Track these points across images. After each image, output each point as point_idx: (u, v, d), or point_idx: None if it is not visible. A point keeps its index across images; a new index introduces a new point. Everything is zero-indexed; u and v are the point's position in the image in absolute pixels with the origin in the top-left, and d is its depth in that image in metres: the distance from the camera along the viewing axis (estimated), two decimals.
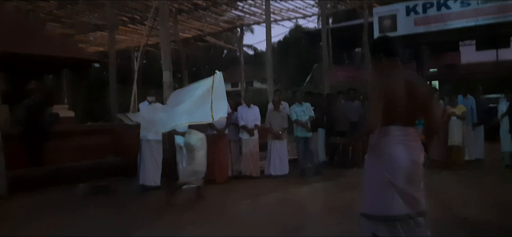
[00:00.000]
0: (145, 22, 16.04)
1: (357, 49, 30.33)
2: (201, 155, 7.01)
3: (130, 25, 20.35)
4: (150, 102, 8.45)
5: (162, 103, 8.92)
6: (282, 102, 10.27)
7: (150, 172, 8.25)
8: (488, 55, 21.83)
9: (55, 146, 9.02)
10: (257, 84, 40.37)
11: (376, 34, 19.88)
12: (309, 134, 9.46)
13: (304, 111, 9.47)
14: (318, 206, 6.64)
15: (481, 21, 17.54)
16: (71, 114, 12.36)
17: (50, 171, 8.54)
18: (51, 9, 17.64)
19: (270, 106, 9.95)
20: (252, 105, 9.52)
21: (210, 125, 8.68)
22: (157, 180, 8.34)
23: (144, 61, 21.24)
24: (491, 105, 11.72)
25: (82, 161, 9.26)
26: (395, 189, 2.96)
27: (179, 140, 8.33)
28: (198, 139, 7.04)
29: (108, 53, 15.30)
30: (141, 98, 8.94)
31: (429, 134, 3.25)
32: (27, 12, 16.61)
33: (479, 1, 17.39)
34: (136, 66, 14.40)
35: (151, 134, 8.25)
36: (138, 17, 19.26)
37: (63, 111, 11.83)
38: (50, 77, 14.52)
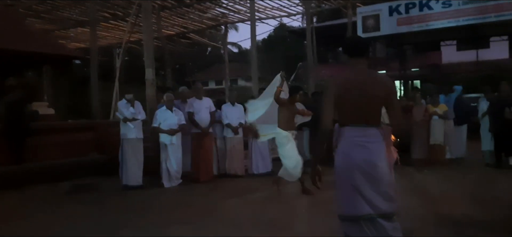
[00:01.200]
0: (128, 19, 15.88)
1: (341, 48, 30.57)
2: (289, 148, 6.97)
3: (112, 22, 20.09)
4: (128, 100, 8.35)
5: (142, 101, 8.83)
6: None
7: (132, 171, 8.16)
8: (468, 55, 22.16)
9: (36, 143, 8.85)
10: (241, 82, 40.31)
11: (360, 33, 20.04)
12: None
13: None
14: (303, 204, 6.66)
15: (462, 22, 17.81)
16: (51, 111, 12.11)
17: (31, 169, 8.38)
18: (30, 4, 17.30)
19: None
20: (236, 103, 9.48)
21: (194, 123, 8.65)
22: (140, 179, 8.25)
23: (126, 58, 21.00)
24: (472, 104, 11.90)
25: (64, 159, 9.10)
26: (355, 189, 2.96)
27: (163, 138, 8.28)
28: (283, 136, 6.99)
29: (90, 50, 15.08)
30: (123, 95, 8.83)
31: (396, 134, 3.19)
32: (6, 7, 16.25)
33: (460, 2, 17.66)
34: (118, 62, 14.26)
35: (132, 132, 8.17)
36: (120, 13, 19.02)
37: (43, 108, 11.57)
38: (30, 74, 14.23)
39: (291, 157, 6.90)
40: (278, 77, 7.27)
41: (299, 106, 7.33)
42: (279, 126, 6.92)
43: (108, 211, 6.47)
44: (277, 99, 6.87)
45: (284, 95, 7.06)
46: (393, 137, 3.27)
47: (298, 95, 7.08)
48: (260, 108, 7.43)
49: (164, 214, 6.23)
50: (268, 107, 7.28)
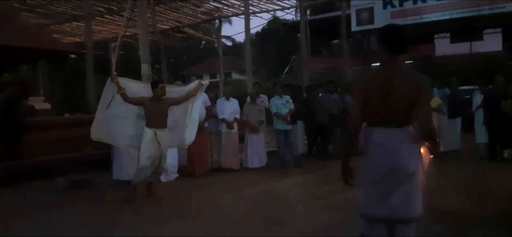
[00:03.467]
0: (123, 13, 15.81)
1: (335, 41, 30.60)
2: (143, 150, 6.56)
3: (107, 16, 20.00)
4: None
5: None
6: (261, 95, 10.31)
7: (126, 166, 8.15)
8: (462, 48, 22.28)
9: (32, 139, 8.85)
10: (235, 76, 40.31)
11: (354, 26, 20.13)
12: (289, 127, 9.53)
13: (284, 104, 9.53)
14: (299, 198, 6.72)
15: (456, 14, 17.95)
16: (47, 106, 12.10)
17: (27, 165, 8.38)
18: None
19: (249, 99, 9.96)
20: (231, 98, 9.51)
21: None
22: (132, 174, 8.24)
23: (122, 52, 20.95)
24: (466, 96, 12.00)
25: (60, 154, 9.10)
26: (378, 190, 2.88)
27: None
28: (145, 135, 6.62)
29: (85, 44, 15.03)
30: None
31: (422, 138, 2.89)
32: (0, 2, 16.14)
33: None
34: (114, 57, 14.20)
35: None
36: (115, 8, 18.93)
37: (39, 103, 11.57)
38: (25, 69, 14.21)
39: (142, 153, 6.51)
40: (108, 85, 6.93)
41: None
42: (146, 125, 6.60)
43: (104, 206, 6.48)
44: (126, 99, 6.60)
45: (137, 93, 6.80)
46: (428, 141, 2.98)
47: (159, 89, 6.62)
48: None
49: (159, 209, 6.26)
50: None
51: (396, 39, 2.89)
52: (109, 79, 6.78)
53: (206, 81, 7.45)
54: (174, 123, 6.95)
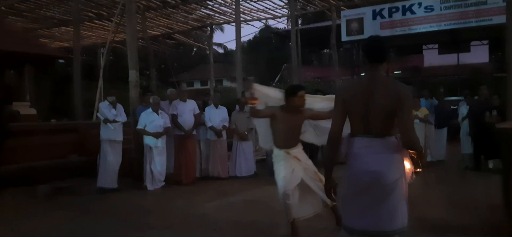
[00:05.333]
0: (112, 19, 15.75)
1: (325, 50, 30.77)
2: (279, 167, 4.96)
3: (97, 21, 19.91)
4: (110, 102, 8.31)
5: (123, 103, 8.77)
6: None
7: (110, 174, 8.12)
8: (449, 59, 22.51)
9: (15, 145, 8.70)
10: (226, 83, 40.27)
11: (344, 36, 20.25)
12: None
13: None
14: None
15: (444, 26, 18.15)
16: (33, 111, 11.94)
17: (9, 172, 8.23)
18: (12, 3, 17.03)
19: (237, 107, 9.92)
20: (220, 106, 9.47)
21: (178, 126, 8.63)
22: (115, 182, 8.21)
23: (110, 57, 20.83)
24: (452, 107, 12.10)
25: (44, 161, 8.97)
26: (361, 202, 2.84)
27: (148, 141, 8.23)
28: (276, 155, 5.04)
29: (73, 49, 14.92)
30: (107, 95, 8.79)
31: (404, 147, 2.85)
32: None
33: (442, 7, 17.97)
34: (102, 62, 14.14)
35: (112, 134, 8.12)
36: (104, 13, 18.86)
37: (25, 108, 11.41)
38: (11, 73, 14.02)
39: (278, 179, 4.89)
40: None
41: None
42: (274, 143, 5.02)
43: (88, 215, 6.40)
44: (256, 115, 5.01)
45: (261, 105, 4.94)
46: (412, 152, 2.95)
47: (297, 98, 4.75)
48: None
49: (145, 218, 6.18)
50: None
51: (374, 49, 2.93)
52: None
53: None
54: None
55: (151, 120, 8.27)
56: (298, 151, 4.91)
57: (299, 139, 4.96)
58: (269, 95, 5.11)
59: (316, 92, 11.42)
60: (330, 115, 4.43)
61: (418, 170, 3.14)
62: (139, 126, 8.33)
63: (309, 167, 4.93)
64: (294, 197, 4.76)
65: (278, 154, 4.92)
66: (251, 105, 4.86)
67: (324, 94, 11.38)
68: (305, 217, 4.96)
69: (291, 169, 4.78)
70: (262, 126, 5.25)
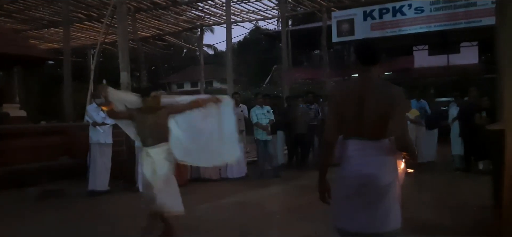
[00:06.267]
0: (102, 20, 15.66)
1: (316, 51, 30.84)
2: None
3: (87, 22, 19.78)
4: (98, 104, 8.23)
5: None
6: (241, 104, 10.29)
7: (101, 177, 8.07)
8: (439, 60, 22.66)
9: (4, 147, 8.61)
10: (217, 84, 40.20)
11: (335, 37, 20.33)
12: (269, 137, 9.51)
13: (264, 114, 9.51)
14: (277, 208, 6.68)
15: (434, 27, 18.32)
16: (23, 113, 11.83)
17: None
18: (1, 4, 16.86)
19: None
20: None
21: None
22: (106, 184, 8.16)
23: (101, 59, 20.72)
24: (442, 108, 12.17)
25: (33, 163, 8.89)
26: (353, 204, 2.83)
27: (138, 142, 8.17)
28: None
29: (63, 50, 14.81)
30: (97, 96, 8.73)
31: (398, 149, 2.84)
32: None
33: (432, 8, 18.12)
34: (93, 64, 14.05)
35: (101, 136, 8.06)
36: (95, 14, 18.74)
37: (14, 110, 11.31)
38: (0, 75, 13.89)
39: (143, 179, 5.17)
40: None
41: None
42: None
43: (79, 218, 6.35)
44: (113, 116, 5.22)
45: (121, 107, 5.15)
46: (404, 153, 2.94)
47: (150, 98, 5.00)
48: None
49: (135, 220, 6.13)
50: None
51: (368, 51, 2.94)
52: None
53: (225, 97, 5.92)
54: (209, 137, 5.43)
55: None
56: (158, 150, 4.98)
57: (162, 138, 5.04)
58: (125, 99, 5.28)
59: (307, 94, 11.50)
60: (189, 106, 5.27)
61: (410, 171, 3.14)
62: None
63: (163, 169, 4.98)
64: (156, 192, 4.88)
65: (141, 152, 5.18)
66: (105, 109, 5.10)
67: (315, 95, 11.49)
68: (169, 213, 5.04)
69: (151, 167, 4.94)
70: (128, 128, 5.36)
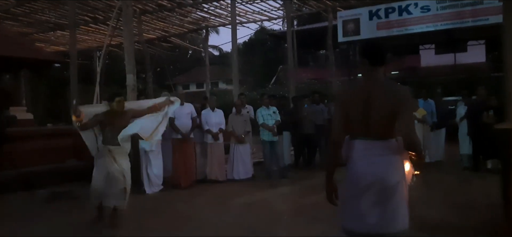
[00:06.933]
0: (108, 22, 15.71)
1: (321, 51, 30.79)
2: (95, 171, 5.95)
3: (93, 25, 19.87)
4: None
5: None
6: (247, 105, 10.29)
7: None
8: (446, 59, 22.52)
9: (13, 150, 8.66)
10: (222, 85, 40.28)
11: (340, 37, 20.26)
12: (275, 138, 9.49)
13: (270, 115, 9.50)
14: (285, 210, 6.67)
15: (440, 26, 18.21)
16: (30, 116, 11.91)
17: (7, 176, 8.20)
18: (8, 7, 16.97)
19: (234, 109, 9.91)
20: (216, 109, 9.45)
21: (175, 129, 8.61)
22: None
23: (107, 61, 20.80)
24: (450, 107, 12.10)
25: (42, 165, 8.93)
26: (361, 204, 2.81)
27: (143, 144, 8.20)
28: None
29: (69, 53, 14.87)
30: (104, 99, 8.76)
31: (406, 149, 2.82)
32: None
33: (438, 7, 18.02)
34: (99, 66, 14.10)
35: None
36: (100, 17, 18.82)
37: (21, 113, 11.38)
38: (7, 78, 13.98)
39: (94, 174, 5.86)
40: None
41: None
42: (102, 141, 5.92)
43: (87, 219, 6.36)
44: (84, 127, 5.87)
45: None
46: (412, 153, 2.92)
47: (115, 103, 5.86)
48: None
49: (143, 222, 6.17)
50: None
51: (375, 51, 2.94)
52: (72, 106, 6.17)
53: (175, 98, 6.94)
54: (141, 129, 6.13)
55: None
56: (118, 149, 5.78)
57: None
58: (96, 110, 6.10)
59: (313, 94, 11.47)
60: (148, 110, 6.25)
61: (416, 172, 3.13)
62: None
63: (122, 164, 5.79)
64: (102, 186, 5.73)
65: (101, 150, 5.83)
66: (77, 123, 5.81)
67: (321, 95, 11.47)
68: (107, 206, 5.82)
69: (110, 163, 5.71)
70: (89, 138, 5.99)
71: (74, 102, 6.43)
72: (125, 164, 5.84)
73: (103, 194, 5.76)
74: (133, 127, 5.96)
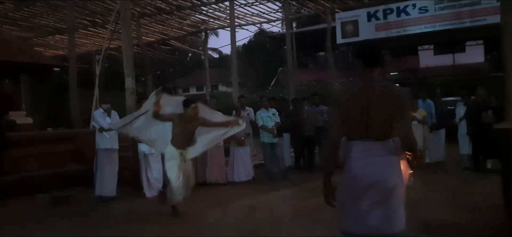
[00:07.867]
0: (107, 26, 15.72)
1: (321, 53, 30.80)
2: (171, 174, 6.33)
3: (91, 29, 19.87)
4: (105, 110, 8.27)
5: (119, 111, 8.75)
6: (247, 107, 10.29)
7: (108, 183, 8.08)
8: (445, 59, 22.56)
9: (13, 154, 8.66)
10: (222, 88, 40.27)
11: (339, 38, 20.29)
12: (276, 140, 9.49)
13: (270, 117, 9.51)
14: (286, 212, 6.67)
15: (439, 27, 18.25)
16: (29, 120, 11.89)
17: (7, 181, 8.19)
18: (6, 12, 16.96)
19: (234, 112, 9.90)
20: (215, 111, 9.41)
21: None
22: (114, 190, 8.16)
23: (106, 65, 20.80)
24: (449, 107, 12.11)
25: (42, 170, 8.92)
26: (359, 206, 2.81)
27: (142, 148, 8.20)
28: (169, 152, 6.39)
29: (68, 57, 14.87)
30: (103, 102, 8.76)
31: (404, 150, 2.87)
32: None
33: (437, 8, 18.05)
34: (98, 70, 14.09)
35: (107, 142, 8.08)
36: (99, 20, 18.82)
37: (21, 117, 11.37)
38: (6, 82, 13.97)
39: (171, 176, 6.22)
40: (152, 96, 6.62)
41: (217, 116, 6.90)
42: (171, 142, 6.29)
43: (88, 224, 6.37)
44: (158, 117, 6.34)
45: (172, 109, 6.45)
46: (408, 154, 2.97)
47: (191, 109, 6.27)
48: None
49: (144, 225, 6.16)
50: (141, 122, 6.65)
51: (369, 53, 2.97)
52: (154, 92, 6.61)
53: (244, 125, 7.18)
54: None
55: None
56: (187, 152, 6.26)
57: (190, 143, 6.34)
58: (172, 102, 6.58)
59: (313, 96, 11.48)
60: (219, 124, 6.75)
61: (411, 171, 3.16)
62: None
63: (188, 166, 6.34)
64: (180, 186, 6.18)
65: (171, 152, 6.20)
66: (155, 109, 6.26)
67: (322, 97, 11.47)
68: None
69: (181, 165, 6.16)
70: (160, 131, 6.45)
71: (160, 88, 6.77)
72: (191, 164, 6.45)
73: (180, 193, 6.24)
74: (197, 149, 6.57)
